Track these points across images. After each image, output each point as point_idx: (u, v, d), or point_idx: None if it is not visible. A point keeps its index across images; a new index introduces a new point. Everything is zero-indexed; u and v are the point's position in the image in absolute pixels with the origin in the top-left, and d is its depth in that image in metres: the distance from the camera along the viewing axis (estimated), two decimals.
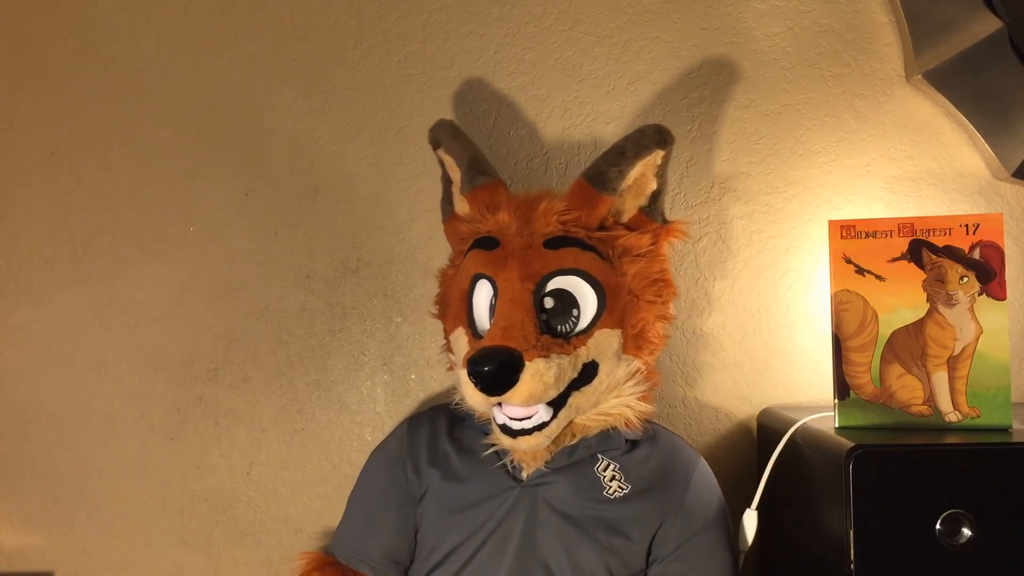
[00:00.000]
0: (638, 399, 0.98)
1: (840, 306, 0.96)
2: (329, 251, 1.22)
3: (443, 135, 1.05)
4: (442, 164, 1.08)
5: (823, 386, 1.16)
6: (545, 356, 0.89)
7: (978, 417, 0.92)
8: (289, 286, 1.22)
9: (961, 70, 1.14)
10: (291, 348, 1.21)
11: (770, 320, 1.20)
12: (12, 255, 1.23)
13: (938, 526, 0.81)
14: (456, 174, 1.04)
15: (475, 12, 1.22)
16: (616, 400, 0.97)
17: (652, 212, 1.00)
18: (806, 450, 0.96)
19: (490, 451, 0.98)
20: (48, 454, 1.22)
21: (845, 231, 0.97)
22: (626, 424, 0.98)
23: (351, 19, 1.22)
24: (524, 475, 0.97)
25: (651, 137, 0.96)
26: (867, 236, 0.96)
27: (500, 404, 0.91)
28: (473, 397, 0.91)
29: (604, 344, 0.94)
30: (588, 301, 0.93)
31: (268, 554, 1.22)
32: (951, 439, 0.90)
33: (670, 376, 1.21)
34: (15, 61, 1.23)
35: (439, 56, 1.22)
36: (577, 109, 1.21)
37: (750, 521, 1.01)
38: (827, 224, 0.98)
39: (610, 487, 0.96)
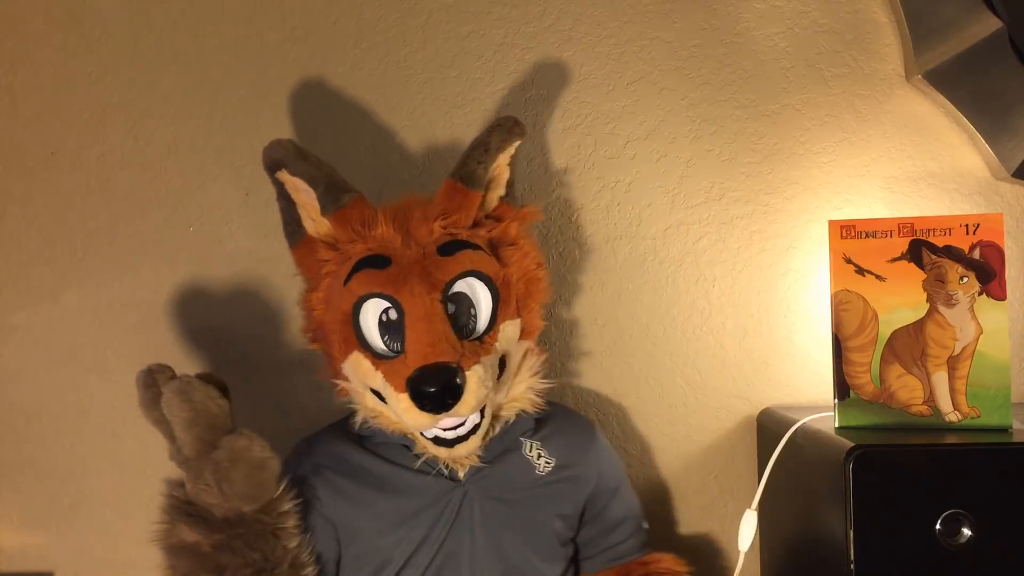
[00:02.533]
0: (536, 378, 1.01)
1: (840, 306, 0.96)
2: None
3: (287, 156, 0.97)
4: (281, 187, 1.01)
5: (823, 386, 1.16)
6: (478, 361, 0.90)
7: (978, 417, 0.93)
8: (289, 286, 1.22)
9: (961, 70, 1.14)
10: (291, 349, 1.21)
11: (770, 320, 1.20)
12: (12, 255, 1.23)
13: (938, 526, 0.81)
14: (306, 195, 0.99)
15: (475, 12, 1.22)
16: (522, 385, 1.00)
17: (511, 200, 1.04)
18: (806, 450, 0.96)
19: (421, 460, 0.97)
20: (48, 454, 1.22)
21: (845, 231, 0.97)
22: (532, 404, 1.01)
23: (351, 19, 1.22)
24: (461, 475, 0.97)
25: (511, 129, 1.00)
26: (867, 236, 0.96)
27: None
28: (418, 419, 0.90)
29: (510, 335, 0.97)
30: (482, 299, 0.95)
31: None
32: (951, 439, 0.90)
33: (670, 376, 1.21)
34: (15, 61, 1.23)
35: (439, 56, 1.22)
36: (577, 109, 1.21)
37: (750, 521, 1.01)
38: (827, 224, 0.98)
39: (539, 465, 0.99)
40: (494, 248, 0.99)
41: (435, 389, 0.87)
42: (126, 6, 1.23)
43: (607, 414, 1.21)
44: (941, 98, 1.16)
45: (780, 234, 1.20)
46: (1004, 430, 0.92)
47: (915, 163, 1.19)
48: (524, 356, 1.01)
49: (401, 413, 0.91)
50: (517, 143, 1.02)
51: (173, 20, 1.23)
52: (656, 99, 1.21)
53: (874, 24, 1.20)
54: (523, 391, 1.00)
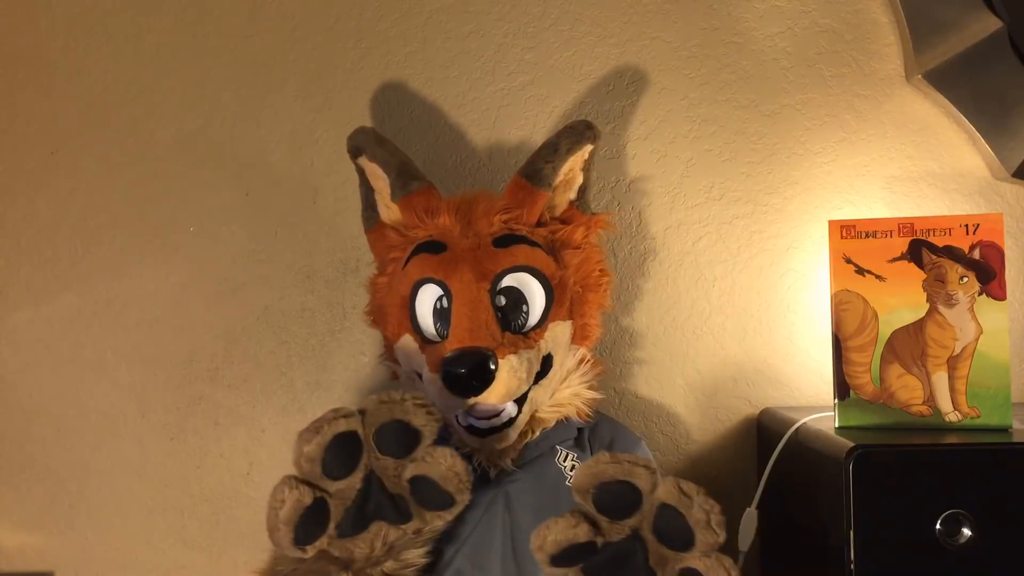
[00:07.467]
0: (586, 387, 1.01)
1: (840, 306, 0.96)
2: (329, 251, 1.22)
3: (366, 142, 1.04)
4: (362, 173, 1.07)
5: (823, 386, 1.16)
6: (515, 352, 0.91)
7: (978, 417, 0.93)
8: (289, 286, 1.22)
9: (961, 70, 1.14)
10: (291, 348, 1.21)
11: (770, 320, 1.20)
12: (12, 255, 1.23)
13: (938, 526, 0.81)
14: (382, 181, 1.03)
15: (475, 12, 1.22)
16: (568, 391, 1.00)
17: (582, 205, 1.04)
18: (806, 450, 0.96)
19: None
20: (48, 454, 1.22)
21: (845, 231, 0.97)
22: (577, 413, 1.00)
23: (351, 19, 1.22)
24: (492, 475, 0.97)
25: (582, 132, 1.01)
26: (867, 236, 0.96)
27: (469, 406, 0.92)
28: (448, 400, 0.91)
29: (559, 336, 0.97)
30: (536, 296, 0.96)
31: (268, 554, 1.21)
32: (951, 439, 0.90)
33: (670, 376, 1.21)
34: (15, 61, 1.23)
35: (439, 56, 1.22)
36: (577, 109, 1.21)
37: (750, 521, 1.01)
38: (827, 224, 0.98)
39: (571, 476, 0.96)
40: (556, 250, 1.00)
41: (464, 371, 0.88)
42: (127, 6, 1.23)
43: (607, 415, 1.21)
44: (941, 98, 1.16)
45: (780, 234, 1.20)
46: (1004, 430, 0.92)
47: (915, 163, 1.19)
48: (577, 363, 1.01)
49: (434, 395, 0.92)
50: (589, 148, 1.02)
51: (173, 20, 1.23)
52: (656, 99, 1.21)
53: (874, 24, 1.20)
54: (568, 397, 1.00)
